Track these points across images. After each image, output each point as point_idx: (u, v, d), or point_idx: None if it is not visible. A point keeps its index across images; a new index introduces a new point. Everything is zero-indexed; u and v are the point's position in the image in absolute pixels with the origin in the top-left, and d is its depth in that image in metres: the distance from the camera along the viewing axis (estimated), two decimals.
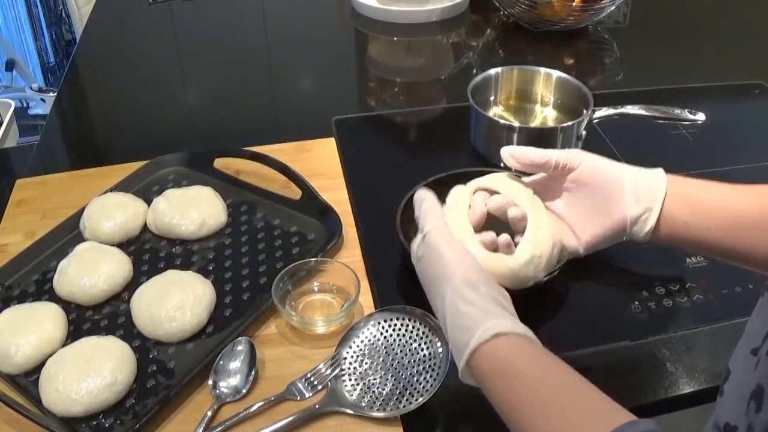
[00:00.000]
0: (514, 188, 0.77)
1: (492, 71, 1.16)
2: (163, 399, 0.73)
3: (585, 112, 1.05)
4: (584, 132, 1.05)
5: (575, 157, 0.73)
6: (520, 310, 0.87)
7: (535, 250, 0.72)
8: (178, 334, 0.80)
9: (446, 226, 0.70)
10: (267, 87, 1.44)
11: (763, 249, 0.67)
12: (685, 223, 0.70)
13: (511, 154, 0.74)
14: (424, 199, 0.73)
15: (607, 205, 0.72)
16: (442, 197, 0.98)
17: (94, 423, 0.72)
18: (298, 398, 0.74)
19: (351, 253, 0.92)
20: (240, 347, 0.78)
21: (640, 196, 0.71)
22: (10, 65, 2.88)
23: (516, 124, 1.13)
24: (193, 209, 0.95)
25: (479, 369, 0.60)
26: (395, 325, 0.79)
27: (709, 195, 0.70)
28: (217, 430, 0.71)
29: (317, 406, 0.72)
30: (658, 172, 0.72)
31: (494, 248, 0.73)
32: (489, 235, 0.73)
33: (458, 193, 0.79)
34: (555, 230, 0.74)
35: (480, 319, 0.61)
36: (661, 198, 0.70)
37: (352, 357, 0.77)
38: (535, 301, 0.86)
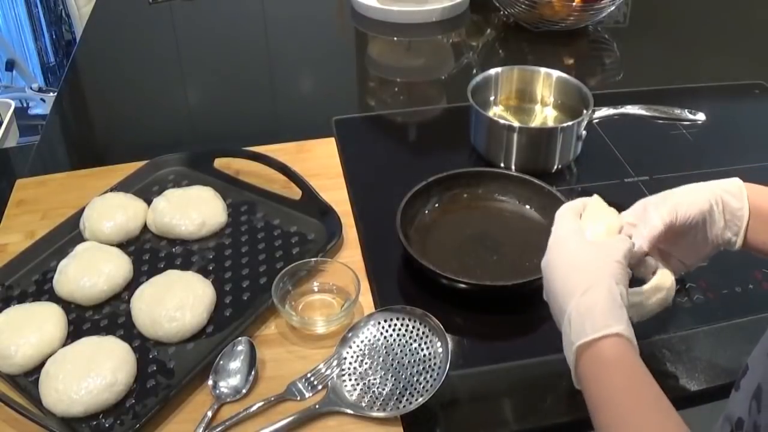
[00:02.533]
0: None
1: (492, 71, 1.16)
2: (163, 399, 0.73)
3: (585, 112, 1.05)
4: (584, 132, 1.05)
5: (672, 212, 0.72)
6: (521, 309, 0.87)
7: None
8: (178, 334, 0.80)
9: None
10: (267, 87, 1.43)
11: None
12: (763, 241, 0.72)
13: (639, 244, 0.72)
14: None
15: (698, 241, 0.74)
16: (442, 197, 0.99)
17: (94, 423, 0.72)
18: (298, 398, 0.74)
19: (351, 253, 0.92)
20: (240, 347, 0.78)
21: (728, 223, 0.73)
22: (10, 65, 2.88)
23: (516, 124, 1.13)
24: (193, 209, 0.95)
25: (586, 365, 0.62)
26: (395, 325, 0.79)
27: None
28: (217, 430, 0.71)
29: (317, 406, 0.72)
30: (741, 194, 0.72)
31: None
32: None
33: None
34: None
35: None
36: (745, 222, 0.72)
37: (352, 357, 0.77)
38: (536, 301, 0.86)
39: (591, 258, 0.67)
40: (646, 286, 0.71)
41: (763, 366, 0.49)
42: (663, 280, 0.72)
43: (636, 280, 0.71)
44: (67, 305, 0.85)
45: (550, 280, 0.69)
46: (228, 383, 0.75)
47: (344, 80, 1.46)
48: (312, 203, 0.97)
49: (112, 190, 1.01)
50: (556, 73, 1.14)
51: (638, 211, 0.74)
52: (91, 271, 0.86)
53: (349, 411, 0.72)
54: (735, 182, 0.73)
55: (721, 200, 0.72)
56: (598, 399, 0.60)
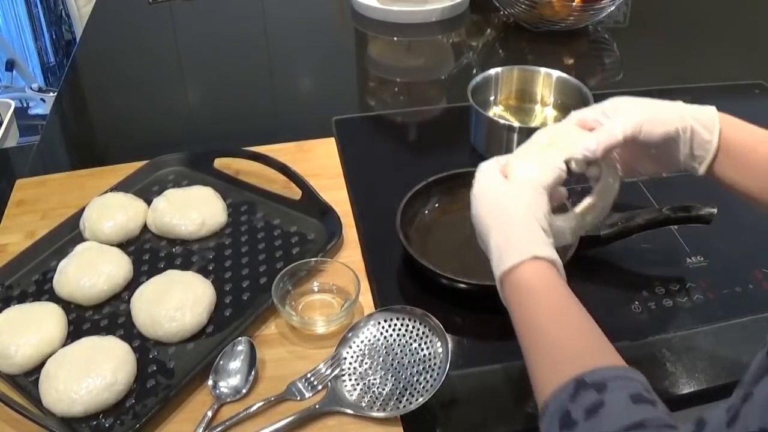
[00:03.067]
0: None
1: (492, 71, 1.16)
2: (163, 399, 0.73)
3: None
4: None
5: (636, 127, 0.71)
6: None
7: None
8: (178, 334, 0.80)
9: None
10: (267, 87, 1.44)
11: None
12: (728, 176, 0.72)
13: (587, 155, 0.72)
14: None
15: (661, 158, 0.75)
16: (442, 197, 0.99)
17: (94, 423, 0.72)
18: (298, 398, 0.74)
19: (351, 253, 0.92)
20: (240, 347, 0.78)
21: (694, 152, 0.72)
22: (10, 65, 2.87)
23: (516, 124, 1.13)
24: (193, 209, 0.95)
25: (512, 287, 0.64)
26: (395, 325, 0.79)
27: (759, 155, 0.71)
28: (217, 430, 0.71)
29: (317, 406, 0.72)
30: (713, 127, 0.71)
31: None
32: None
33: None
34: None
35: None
36: (711, 155, 0.71)
37: (352, 357, 0.77)
38: None
39: (509, 197, 0.68)
40: (576, 209, 0.74)
41: None
42: (597, 200, 0.75)
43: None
44: (67, 305, 0.85)
45: (477, 228, 0.70)
46: (228, 383, 0.75)
47: (344, 80, 1.46)
48: (312, 203, 0.97)
49: (112, 190, 1.01)
50: (556, 73, 1.14)
51: (608, 110, 0.73)
52: (91, 271, 0.86)
53: (349, 411, 0.72)
54: (709, 113, 0.72)
55: (690, 129, 0.71)
56: (521, 324, 0.62)
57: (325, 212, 0.95)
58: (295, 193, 0.99)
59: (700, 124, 0.71)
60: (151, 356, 0.79)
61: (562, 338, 0.58)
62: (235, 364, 0.76)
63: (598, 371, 0.53)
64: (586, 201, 0.75)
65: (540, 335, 0.60)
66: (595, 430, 0.49)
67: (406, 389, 0.73)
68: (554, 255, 0.64)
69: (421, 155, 1.16)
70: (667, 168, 0.76)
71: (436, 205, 0.98)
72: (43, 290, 0.88)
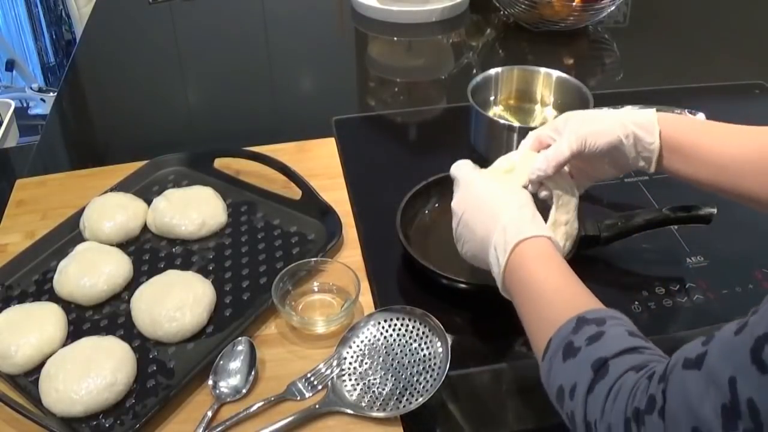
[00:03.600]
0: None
1: (492, 71, 1.16)
2: (163, 399, 0.73)
3: None
4: None
5: (580, 142, 0.76)
6: None
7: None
8: (178, 334, 0.80)
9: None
10: (267, 87, 1.44)
11: (758, 190, 0.71)
12: (678, 170, 0.76)
13: (540, 175, 0.78)
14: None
15: (613, 163, 0.79)
16: (441, 197, 0.98)
17: (94, 423, 0.72)
18: (298, 398, 0.74)
19: (351, 253, 0.92)
20: (240, 347, 0.78)
21: (640, 154, 0.76)
22: (10, 65, 2.87)
23: (516, 124, 1.13)
24: (193, 209, 0.95)
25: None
26: (395, 325, 0.79)
27: (703, 149, 0.74)
28: (217, 430, 0.71)
29: (317, 406, 0.72)
30: (653, 128, 0.75)
31: None
32: None
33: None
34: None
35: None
36: (656, 155, 0.75)
37: (352, 357, 0.77)
38: None
39: (498, 192, 0.74)
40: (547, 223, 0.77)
41: None
42: (559, 215, 0.79)
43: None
44: (67, 305, 0.85)
45: (465, 221, 0.74)
46: (228, 383, 0.75)
47: (344, 80, 1.46)
48: (312, 203, 0.97)
49: (112, 190, 1.01)
50: (556, 73, 1.14)
51: (560, 126, 0.78)
52: (91, 271, 0.86)
53: (349, 411, 0.72)
54: (648, 117, 0.75)
55: (632, 134, 0.75)
56: (524, 291, 0.65)
57: (325, 212, 0.95)
58: (295, 193, 0.99)
59: (641, 128, 0.75)
60: (151, 356, 0.79)
61: (562, 295, 0.63)
62: (235, 364, 0.76)
63: (597, 311, 0.59)
64: (550, 220, 0.78)
65: (542, 296, 0.64)
66: (596, 353, 0.55)
67: (406, 389, 0.73)
68: (544, 231, 0.69)
69: (421, 155, 1.16)
70: (621, 171, 0.81)
71: (436, 205, 0.98)
72: (43, 290, 0.88)
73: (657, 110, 0.77)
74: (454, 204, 0.77)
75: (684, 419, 0.46)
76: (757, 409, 0.42)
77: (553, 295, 0.63)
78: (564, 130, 0.77)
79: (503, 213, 0.70)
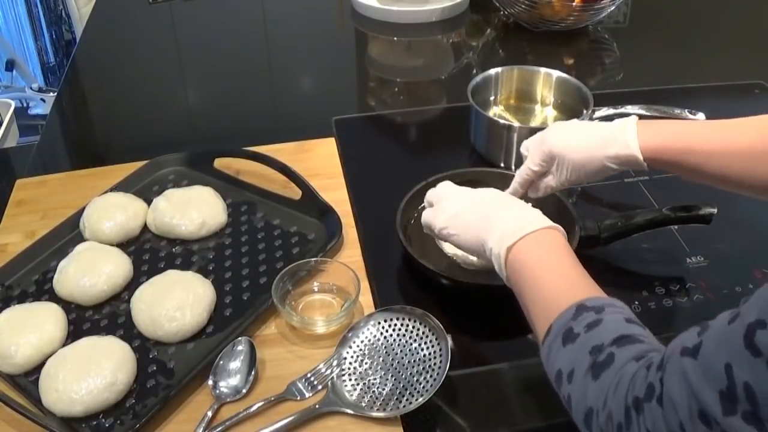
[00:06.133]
0: None
1: (492, 71, 1.16)
2: (163, 399, 0.73)
3: (585, 112, 1.05)
4: None
5: (568, 181, 0.82)
6: (521, 309, 0.87)
7: None
8: (178, 334, 0.80)
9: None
10: (267, 87, 1.44)
11: (751, 177, 0.73)
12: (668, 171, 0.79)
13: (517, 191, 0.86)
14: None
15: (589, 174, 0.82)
16: None
17: (94, 423, 0.72)
18: (298, 398, 0.74)
19: (351, 253, 0.92)
20: (240, 347, 0.78)
21: (623, 168, 0.79)
22: (10, 65, 2.87)
23: (516, 124, 1.13)
24: (193, 209, 0.95)
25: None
26: (395, 325, 0.79)
27: (689, 155, 0.75)
28: (217, 430, 0.71)
29: (317, 406, 0.72)
30: (636, 161, 0.77)
31: None
32: None
33: None
34: None
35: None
36: (645, 167, 0.77)
37: (352, 357, 0.77)
38: None
39: (495, 192, 0.78)
40: None
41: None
42: None
43: None
44: (67, 305, 0.85)
45: (456, 213, 0.76)
46: (228, 383, 0.75)
47: (344, 80, 1.46)
48: (312, 203, 0.97)
49: (112, 190, 1.01)
50: (556, 73, 1.14)
51: (550, 157, 0.82)
52: (91, 271, 0.86)
53: (349, 411, 0.72)
54: (628, 150, 0.76)
55: (614, 164, 0.78)
56: (528, 283, 0.66)
57: (325, 212, 0.95)
58: (295, 193, 0.99)
59: (621, 163, 0.78)
60: (151, 356, 0.79)
61: (563, 283, 0.65)
62: (235, 364, 0.76)
63: (596, 298, 0.61)
64: None
65: (544, 284, 0.66)
66: (593, 340, 0.57)
67: (406, 389, 0.73)
68: (548, 223, 0.70)
69: (421, 155, 1.16)
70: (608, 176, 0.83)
71: None
72: (43, 290, 0.88)
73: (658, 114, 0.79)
74: (442, 204, 0.78)
75: (683, 405, 0.48)
76: (753, 391, 0.44)
77: (554, 283, 0.65)
78: (552, 171, 0.83)
79: (503, 207, 0.73)
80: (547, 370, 0.61)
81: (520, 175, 0.86)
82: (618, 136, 0.77)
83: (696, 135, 0.75)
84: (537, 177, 0.85)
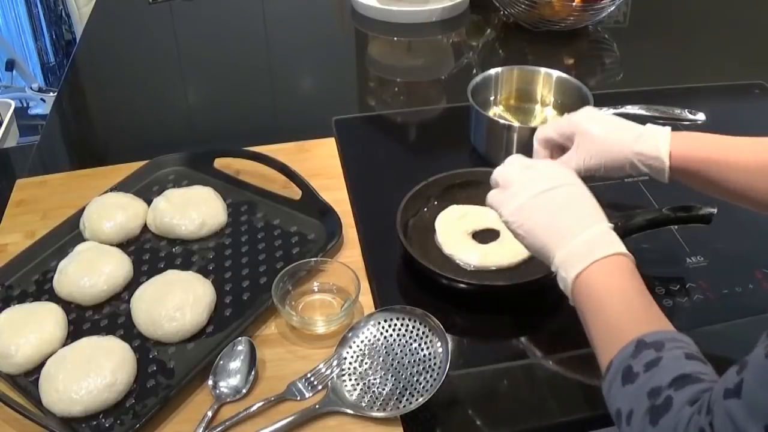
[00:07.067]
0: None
1: (492, 71, 1.16)
2: (163, 399, 0.73)
3: None
4: None
5: (589, 169, 0.79)
6: (521, 309, 0.87)
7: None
8: (178, 334, 0.80)
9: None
10: (267, 87, 1.43)
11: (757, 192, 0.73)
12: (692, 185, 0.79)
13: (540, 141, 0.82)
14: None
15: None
16: (441, 197, 0.99)
17: (94, 423, 0.72)
18: (298, 398, 0.74)
19: (351, 253, 0.92)
20: (240, 347, 0.78)
21: (647, 172, 0.78)
22: (10, 65, 2.87)
23: (516, 124, 1.13)
24: (193, 209, 0.95)
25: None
26: (395, 325, 0.79)
27: (716, 166, 0.75)
28: (217, 430, 0.71)
29: (317, 406, 0.72)
30: (663, 169, 0.76)
31: None
32: None
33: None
34: None
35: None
36: (666, 175, 0.77)
37: (352, 357, 0.77)
38: (536, 301, 0.86)
39: (559, 195, 0.72)
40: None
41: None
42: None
43: None
44: (67, 305, 0.85)
45: (527, 227, 0.71)
46: (228, 383, 0.75)
47: (344, 80, 1.46)
48: (312, 203, 0.97)
49: (112, 190, 1.01)
50: (556, 73, 1.14)
51: (564, 133, 0.80)
52: (91, 271, 0.86)
53: (349, 411, 0.72)
54: (657, 153, 0.76)
55: (638, 161, 0.77)
56: (592, 310, 0.65)
57: (325, 212, 0.95)
58: (295, 193, 0.99)
59: (649, 168, 0.77)
60: (151, 356, 0.79)
61: (627, 314, 0.63)
62: (235, 364, 0.76)
63: (657, 333, 0.59)
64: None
65: (608, 313, 0.64)
66: (652, 381, 0.56)
67: (406, 389, 0.73)
68: (619, 248, 0.67)
69: (421, 155, 1.16)
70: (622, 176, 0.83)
71: (436, 204, 0.98)
72: (43, 290, 0.88)
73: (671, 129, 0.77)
74: (511, 189, 0.73)
75: None
76: None
77: (618, 315, 0.63)
78: (576, 145, 0.79)
79: (573, 216, 0.70)
80: (608, 405, 0.60)
81: (537, 140, 0.82)
82: (650, 136, 0.76)
83: (726, 147, 0.75)
84: (552, 146, 0.81)
